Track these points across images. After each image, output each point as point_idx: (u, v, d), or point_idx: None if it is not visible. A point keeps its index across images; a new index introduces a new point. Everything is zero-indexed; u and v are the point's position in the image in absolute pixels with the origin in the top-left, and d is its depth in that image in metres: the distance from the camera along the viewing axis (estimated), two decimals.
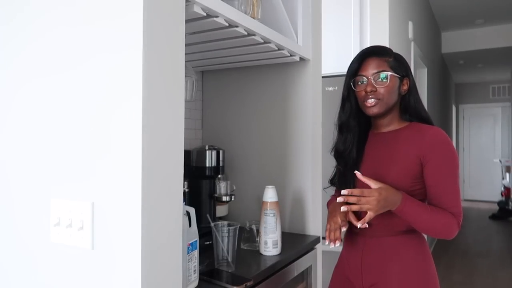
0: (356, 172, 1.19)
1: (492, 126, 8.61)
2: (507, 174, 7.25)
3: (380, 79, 1.21)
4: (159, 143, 0.80)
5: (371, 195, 1.12)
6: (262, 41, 1.31)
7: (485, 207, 7.73)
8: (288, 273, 1.31)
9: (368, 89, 1.20)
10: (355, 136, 1.29)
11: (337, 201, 1.17)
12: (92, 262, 0.82)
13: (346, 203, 1.16)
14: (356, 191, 1.14)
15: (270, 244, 1.31)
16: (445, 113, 6.16)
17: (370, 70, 1.22)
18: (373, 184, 1.14)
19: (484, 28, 5.42)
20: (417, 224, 1.16)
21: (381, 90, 1.20)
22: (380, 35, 2.57)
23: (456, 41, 5.70)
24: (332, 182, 1.40)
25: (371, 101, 1.21)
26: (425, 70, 4.16)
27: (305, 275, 1.47)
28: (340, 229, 1.22)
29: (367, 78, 1.21)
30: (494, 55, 6.00)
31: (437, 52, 5.35)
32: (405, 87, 1.26)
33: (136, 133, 0.76)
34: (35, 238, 0.90)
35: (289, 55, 1.49)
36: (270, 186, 1.36)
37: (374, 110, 1.22)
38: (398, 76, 1.23)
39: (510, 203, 6.88)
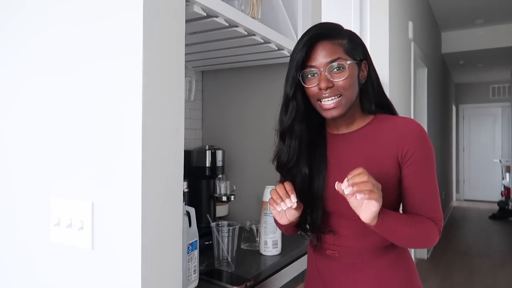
0: (337, 184, 0.88)
1: (492, 126, 8.62)
2: (507, 174, 7.25)
3: (335, 70, 0.94)
4: (159, 143, 0.80)
5: (370, 180, 0.84)
6: (262, 41, 1.31)
7: (485, 207, 7.73)
8: (288, 273, 1.31)
9: (323, 85, 0.93)
10: (302, 142, 1.01)
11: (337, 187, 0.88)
12: (92, 262, 0.82)
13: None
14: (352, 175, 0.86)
15: (270, 244, 1.31)
16: (445, 113, 6.16)
17: (322, 59, 0.94)
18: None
19: (484, 28, 5.42)
20: (395, 239, 0.96)
21: (339, 83, 0.93)
22: (380, 35, 2.57)
23: (456, 41, 5.70)
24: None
25: (329, 103, 0.94)
26: (425, 70, 4.17)
27: (305, 275, 1.47)
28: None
29: (319, 70, 0.94)
30: (494, 55, 6.00)
31: (437, 52, 5.35)
32: (364, 73, 1.00)
33: (136, 133, 0.76)
34: (35, 238, 0.90)
35: (289, 55, 1.49)
36: (270, 186, 1.36)
37: (334, 113, 0.95)
38: (356, 61, 0.97)
39: (510, 203, 6.88)
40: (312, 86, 0.96)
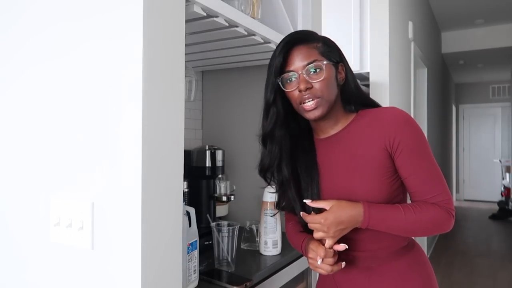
0: (305, 201, 0.99)
1: (492, 126, 8.61)
2: (507, 174, 7.25)
3: (313, 72, 0.96)
4: (159, 143, 0.80)
5: (315, 221, 0.95)
6: (262, 41, 1.31)
7: (485, 207, 7.72)
8: (288, 273, 1.31)
9: (302, 86, 0.95)
10: (284, 147, 1.03)
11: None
12: (92, 262, 0.82)
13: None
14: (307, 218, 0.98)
15: (270, 244, 1.31)
16: (445, 113, 6.16)
17: (299, 62, 0.97)
18: (325, 205, 0.96)
19: (484, 28, 5.42)
20: (396, 231, 0.96)
21: (317, 85, 0.96)
22: (380, 35, 2.57)
23: (456, 41, 5.69)
24: (279, 206, 1.11)
25: (309, 104, 0.96)
26: (425, 70, 4.16)
27: (305, 275, 1.47)
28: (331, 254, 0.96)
29: (298, 73, 0.97)
30: (494, 55, 6.00)
31: (437, 52, 5.35)
32: (342, 75, 1.03)
33: (136, 133, 0.76)
34: (35, 238, 0.90)
35: None
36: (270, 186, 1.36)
37: (317, 114, 0.97)
38: (332, 63, 1.00)
39: (510, 203, 6.87)
40: (292, 90, 0.99)
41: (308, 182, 1.03)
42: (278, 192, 1.10)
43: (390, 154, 0.96)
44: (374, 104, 1.07)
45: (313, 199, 1.00)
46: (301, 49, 0.98)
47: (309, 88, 0.96)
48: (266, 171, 1.07)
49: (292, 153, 1.04)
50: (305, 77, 0.97)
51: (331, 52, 1.00)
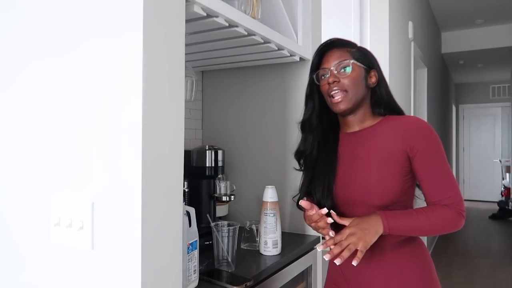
0: (331, 213, 1.08)
1: (492, 126, 8.61)
2: (507, 174, 7.25)
3: (343, 70, 1.12)
4: (159, 143, 0.80)
5: (346, 233, 1.02)
6: (262, 41, 1.31)
7: (485, 207, 7.73)
8: (288, 273, 1.31)
9: (331, 80, 1.12)
10: (317, 136, 1.20)
11: (318, 250, 1.11)
12: (92, 262, 0.82)
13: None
14: (330, 241, 1.04)
15: (270, 244, 1.31)
16: (445, 113, 6.16)
17: (332, 61, 1.13)
18: (346, 222, 1.06)
19: (484, 28, 5.42)
20: (413, 233, 1.09)
21: (345, 81, 1.11)
22: (380, 35, 2.57)
23: (456, 41, 5.69)
24: (302, 189, 1.24)
25: (337, 97, 1.12)
26: (425, 70, 4.16)
27: (305, 275, 1.47)
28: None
29: (329, 69, 1.13)
30: (494, 55, 6.00)
31: (437, 52, 5.35)
32: (374, 80, 1.16)
33: (136, 133, 0.76)
34: (35, 238, 0.90)
35: (289, 55, 1.49)
36: (270, 186, 1.36)
37: (341, 107, 1.12)
38: (363, 66, 1.14)
39: (510, 203, 6.88)
40: (324, 84, 1.15)
41: (325, 168, 1.16)
42: (302, 177, 1.23)
43: (409, 157, 1.08)
44: (399, 111, 1.20)
45: (330, 183, 1.14)
46: (336, 51, 1.15)
47: (337, 81, 1.12)
48: (300, 155, 1.24)
49: (320, 142, 1.20)
50: (334, 73, 1.13)
51: (363, 57, 1.16)
